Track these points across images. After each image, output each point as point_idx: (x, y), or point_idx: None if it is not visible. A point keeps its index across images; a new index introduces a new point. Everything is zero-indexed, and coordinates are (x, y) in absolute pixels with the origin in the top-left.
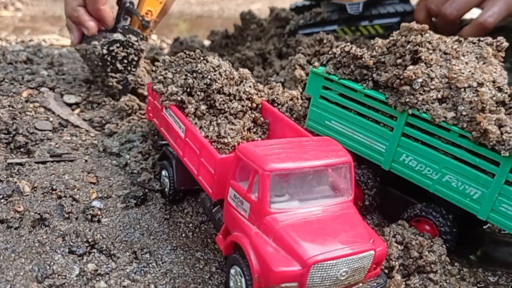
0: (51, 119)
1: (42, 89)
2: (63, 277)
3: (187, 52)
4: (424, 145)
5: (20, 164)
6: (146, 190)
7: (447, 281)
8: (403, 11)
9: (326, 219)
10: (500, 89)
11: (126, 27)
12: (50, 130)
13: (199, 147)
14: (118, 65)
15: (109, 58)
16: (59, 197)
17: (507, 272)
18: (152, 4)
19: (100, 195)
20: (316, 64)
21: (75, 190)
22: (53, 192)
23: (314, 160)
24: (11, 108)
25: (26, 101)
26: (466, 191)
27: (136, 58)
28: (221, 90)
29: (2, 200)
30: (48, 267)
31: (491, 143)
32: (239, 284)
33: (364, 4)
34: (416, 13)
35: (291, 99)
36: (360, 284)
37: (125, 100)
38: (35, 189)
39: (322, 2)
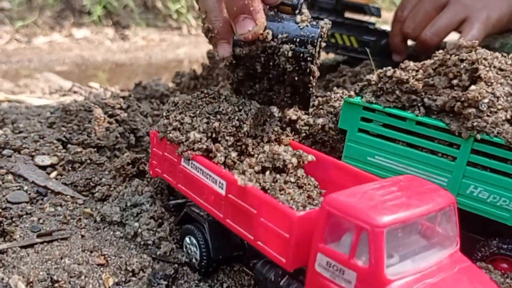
0: (25, 187)
1: (5, 151)
2: None
3: (204, 91)
4: (496, 173)
5: (2, 252)
6: (175, 265)
7: None
8: (381, 31)
9: (450, 280)
10: None
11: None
12: (27, 202)
13: (257, 203)
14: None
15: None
16: None
17: None
18: None
19: (116, 280)
20: (352, 93)
21: (83, 277)
22: (55, 285)
23: (423, 206)
24: None
25: None
26: None
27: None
28: (249, 132)
29: None
30: None
31: None
32: None
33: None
34: (392, 37)
35: (322, 129)
36: None
37: (128, 155)
38: (31, 285)
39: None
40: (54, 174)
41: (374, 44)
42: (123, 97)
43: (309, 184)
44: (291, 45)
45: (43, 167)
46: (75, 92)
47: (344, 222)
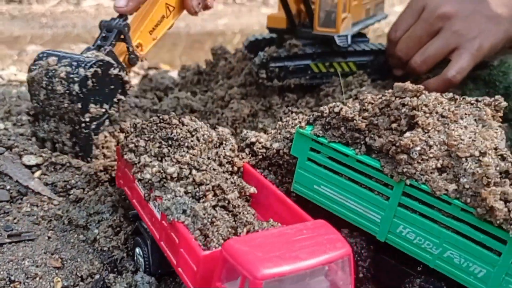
0: (8, 187)
1: None
2: None
3: (160, 117)
4: (423, 217)
5: None
6: (117, 276)
7: None
8: (377, 50)
9: None
10: (503, 158)
11: (111, 52)
12: (7, 201)
13: (178, 235)
14: (98, 97)
15: (90, 84)
16: None
17: None
18: (145, 38)
19: (65, 284)
20: (303, 124)
21: (37, 279)
22: (12, 284)
23: (311, 258)
24: None
25: None
26: (470, 268)
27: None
28: (197, 157)
29: None
30: None
31: (498, 221)
32: None
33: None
34: (388, 56)
35: (277, 153)
36: None
37: (101, 162)
38: None
39: (292, 36)
40: (38, 173)
41: (372, 64)
42: None
43: (244, 213)
44: (68, 67)
45: (29, 166)
46: None
47: (235, 268)
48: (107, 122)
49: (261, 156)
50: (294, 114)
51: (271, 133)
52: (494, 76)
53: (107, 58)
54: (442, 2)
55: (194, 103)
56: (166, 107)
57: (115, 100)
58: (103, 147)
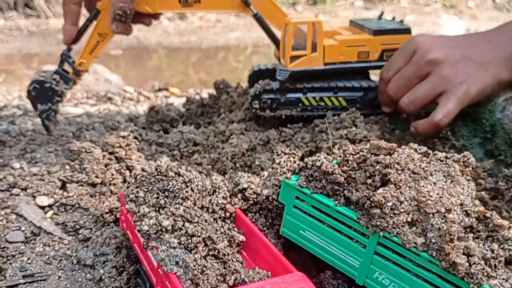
0: (23, 228)
1: (14, 190)
2: None
3: (158, 169)
4: (396, 266)
5: None
6: None
7: None
8: (367, 87)
9: None
10: (467, 214)
11: (59, 71)
12: (22, 242)
13: (171, 285)
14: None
15: (33, 93)
16: None
17: None
18: (86, 58)
19: None
20: (289, 175)
21: None
22: None
23: None
24: None
25: None
26: None
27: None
28: (190, 208)
29: None
30: None
31: (460, 275)
32: None
33: (329, 75)
34: (380, 94)
35: (267, 199)
36: None
37: (107, 205)
38: None
39: None
40: (50, 213)
41: (362, 100)
42: (123, 136)
43: (233, 261)
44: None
45: (42, 207)
46: (109, 99)
47: None
48: (53, 113)
49: (252, 201)
50: (285, 156)
51: (263, 176)
52: (481, 114)
53: (42, 78)
54: (432, 48)
55: (197, 136)
56: (170, 141)
57: (54, 100)
58: (110, 184)
